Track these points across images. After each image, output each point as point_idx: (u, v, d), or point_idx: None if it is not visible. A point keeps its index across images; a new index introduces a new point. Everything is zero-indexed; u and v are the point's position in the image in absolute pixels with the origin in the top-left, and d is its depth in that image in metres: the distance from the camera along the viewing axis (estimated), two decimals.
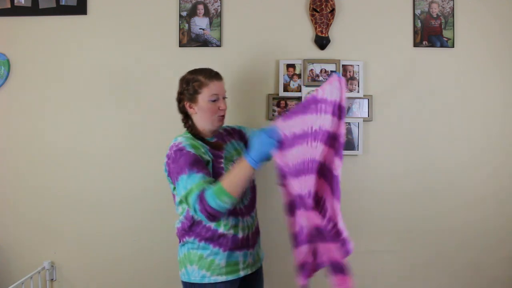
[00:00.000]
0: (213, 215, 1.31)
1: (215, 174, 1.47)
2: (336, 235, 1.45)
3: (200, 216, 1.34)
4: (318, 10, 2.20)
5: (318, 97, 1.40)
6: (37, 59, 2.28)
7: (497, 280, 2.26)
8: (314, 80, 2.23)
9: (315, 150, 1.42)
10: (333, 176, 1.45)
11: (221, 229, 1.49)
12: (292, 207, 1.38)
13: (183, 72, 2.24)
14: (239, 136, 1.75)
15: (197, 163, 1.40)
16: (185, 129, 1.62)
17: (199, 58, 2.25)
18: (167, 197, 2.23)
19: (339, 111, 1.47)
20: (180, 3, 2.25)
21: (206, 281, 1.48)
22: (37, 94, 2.28)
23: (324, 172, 1.46)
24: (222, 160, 1.54)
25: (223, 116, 1.59)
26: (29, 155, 2.29)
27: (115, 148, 2.27)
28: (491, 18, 2.24)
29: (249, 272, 1.57)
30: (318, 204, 1.46)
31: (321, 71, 2.23)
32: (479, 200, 2.25)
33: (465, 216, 2.26)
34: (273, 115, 2.22)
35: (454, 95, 2.25)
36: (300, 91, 2.23)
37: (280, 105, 2.23)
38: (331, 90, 1.44)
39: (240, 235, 1.52)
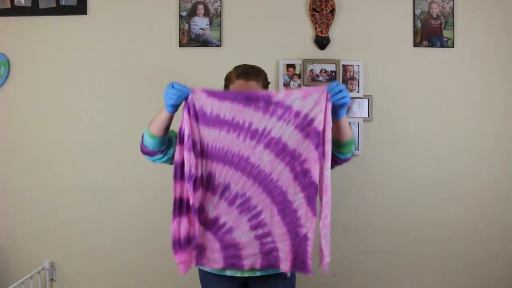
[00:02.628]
0: (140, 146, 1.42)
1: None
2: (270, 253, 1.38)
3: None
4: (318, 10, 2.20)
5: (274, 98, 1.28)
6: (37, 59, 2.28)
7: (497, 280, 2.26)
8: (314, 80, 2.23)
9: (253, 151, 1.32)
10: (287, 201, 1.34)
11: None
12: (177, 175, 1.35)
13: (183, 72, 2.27)
14: None
15: None
16: None
17: (199, 58, 2.25)
18: (170, 199, 2.24)
19: (312, 134, 1.28)
20: (180, 3, 2.25)
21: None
22: (37, 94, 2.28)
23: (271, 189, 1.35)
24: None
25: None
26: (29, 155, 2.29)
27: (115, 148, 2.27)
28: (491, 18, 2.24)
29: (239, 275, 1.49)
30: (246, 207, 1.37)
31: (321, 71, 2.23)
32: (479, 200, 2.25)
33: (465, 216, 2.25)
34: None
35: (454, 95, 2.25)
36: None
37: None
38: (303, 100, 1.27)
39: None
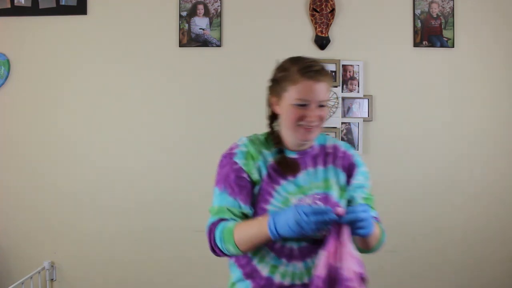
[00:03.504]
0: (215, 251, 1.10)
1: (257, 201, 1.11)
2: None
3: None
4: (318, 10, 2.20)
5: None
6: (37, 59, 2.28)
7: (497, 280, 2.26)
8: None
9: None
10: None
11: (255, 261, 1.13)
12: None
13: (183, 72, 2.27)
14: (346, 164, 1.27)
15: (234, 184, 1.10)
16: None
17: (199, 58, 2.25)
18: (167, 198, 2.24)
19: None
20: (180, 3, 2.25)
21: None
22: (37, 94, 2.28)
23: None
24: (277, 188, 1.11)
25: (310, 129, 1.11)
26: (29, 155, 2.28)
27: (116, 148, 2.27)
28: (491, 18, 2.24)
29: None
30: None
31: None
32: (479, 201, 2.25)
33: (465, 216, 2.25)
34: None
35: (454, 95, 2.25)
36: None
37: None
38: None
39: (277, 280, 1.11)
